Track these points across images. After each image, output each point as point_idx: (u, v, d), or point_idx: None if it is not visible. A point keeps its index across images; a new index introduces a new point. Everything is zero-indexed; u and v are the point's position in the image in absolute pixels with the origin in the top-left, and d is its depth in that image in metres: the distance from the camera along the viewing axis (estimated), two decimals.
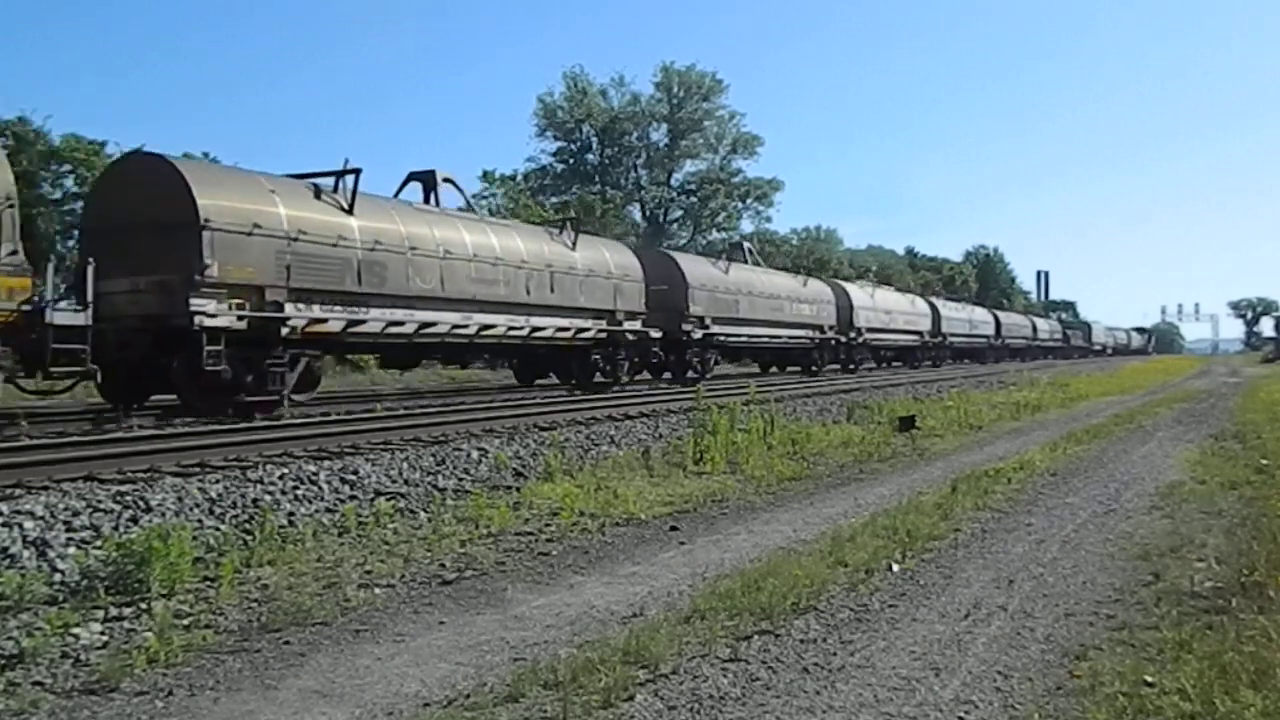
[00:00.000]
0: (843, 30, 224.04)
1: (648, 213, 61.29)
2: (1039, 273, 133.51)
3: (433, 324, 16.03)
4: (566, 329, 19.53)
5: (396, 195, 17.72)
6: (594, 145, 61.15)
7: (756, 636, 4.45)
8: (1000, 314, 64.66)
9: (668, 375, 24.98)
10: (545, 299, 18.91)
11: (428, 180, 18.58)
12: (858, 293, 37.97)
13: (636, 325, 21.93)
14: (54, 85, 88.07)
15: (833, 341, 33.97)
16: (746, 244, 34.61)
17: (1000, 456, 11.34)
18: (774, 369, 33.85)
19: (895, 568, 5.75)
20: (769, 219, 65.35)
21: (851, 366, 35.61)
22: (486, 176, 49.49)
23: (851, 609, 4.93)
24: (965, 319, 53.15)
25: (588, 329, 20.18)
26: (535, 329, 18.57)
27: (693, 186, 62.84)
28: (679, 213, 63.02)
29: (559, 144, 60.77)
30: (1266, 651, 3.92)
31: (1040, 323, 77.28)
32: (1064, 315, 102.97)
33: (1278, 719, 3.37)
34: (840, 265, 63.63)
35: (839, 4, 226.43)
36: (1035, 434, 14.36)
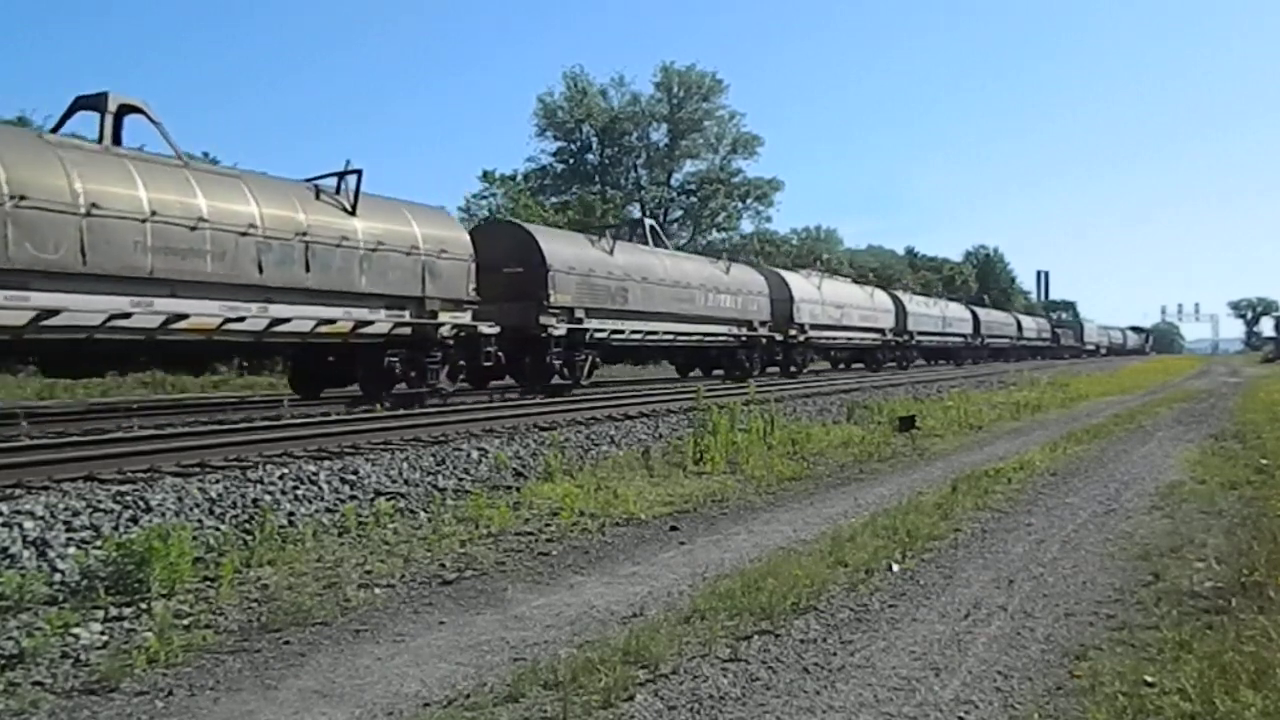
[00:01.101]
0: (843, 30, 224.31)
1: (648, 213, 61.25)
2: (1039, 273, 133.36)
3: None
4: (330, 320, 14.06)
5: (58, 129, 12.61)
6: (594, 145, 61.15)
7: (756, 636, 4.45)
8: (979, 310, 58.71)
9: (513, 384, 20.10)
10: (292, 279, 13.51)
11: (100, 107, 12.42)
12: (800, 283, 32.00)
13: (463, 318, 16.80)
14: (54, 85, 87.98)
15: (764, 340, 28.53)
16: (650, 221, 29.87)
17: (1000, 456, 11.34)
18: (697, 372, 28.96)
19: (895, 568, 5.75)
20: (769, 219, 65.43)
21: (793, 369, 30.81)
22: (486, 176, 49.55)
23: (851, 609, 4.93)
24: (937, 315, 47.63)
25: (370, 322, 14.80)
26: (277, 320, 13.29)
27: (693, 186, 62.86)
28: (679, 213, 63.03)
29: (559, 144, 60.82)
30: (1266, 651, 3.92)
31: (1026, 320, 71.41)
32: (1063, 315, 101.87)
33: (1278, 719, 3.37)
34: (840, 265, 63.52)
35: (839, 4, 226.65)
36: (1035, 434, 14.36)
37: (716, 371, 28.27)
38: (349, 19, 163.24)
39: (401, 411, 14.36)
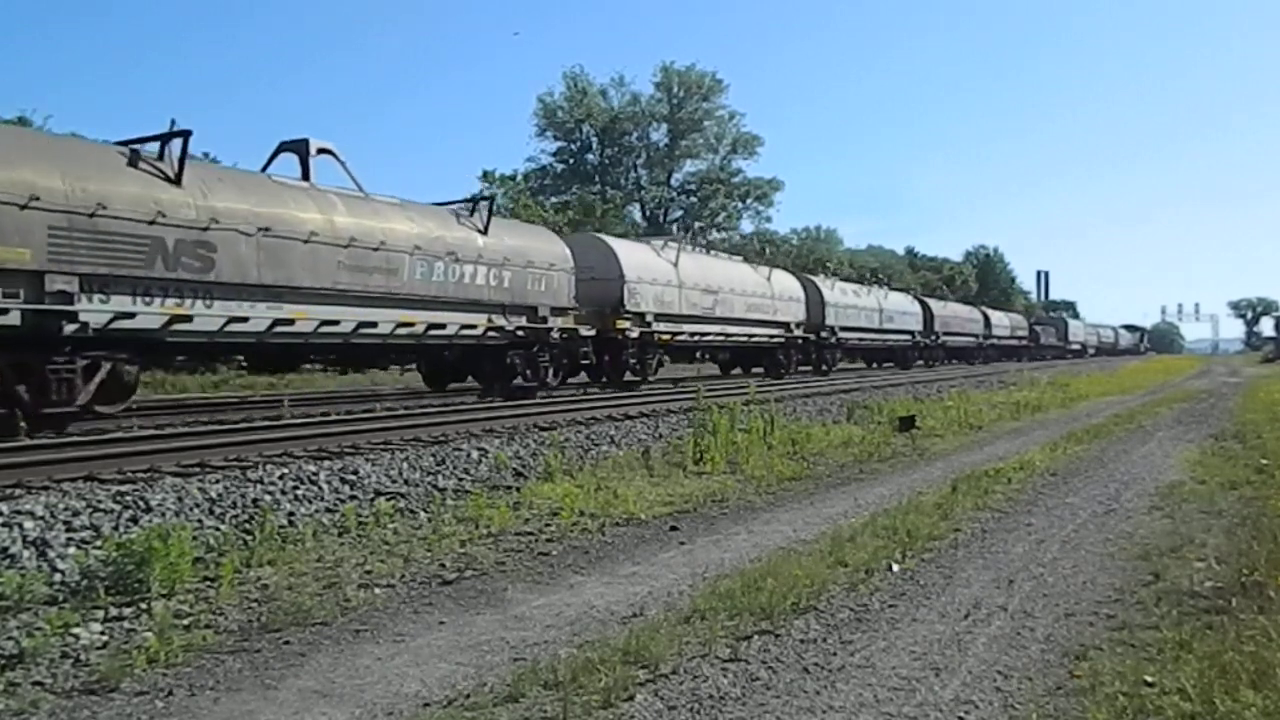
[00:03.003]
0: (843, 30, 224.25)
1: (648, 213, 61.33)
2: (1039, 273, 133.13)
3: None
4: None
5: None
6: (594, 145, 61.25)
7: (756, 636, 4.45)
8: (934, 303, 48.69)
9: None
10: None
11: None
12: (641, 258, 22.93)
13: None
14: (54, 85, 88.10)
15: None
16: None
17: (1000, 456, 11.34)
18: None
19: (895, 568, 5.75)
20: (769, 219, 65.52)
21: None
22: (486, 176, 49.53)
23: (851, 609, 4.93)
24: (870, 308, 38.07)
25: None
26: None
27: (693, 186, 62.94)
28: (679, 213, 63.07)
29: (559, 144, 60.96)
30: (1266, 651, 3.92)
31: (997, 316, 61.22)
32: (1042, 310, 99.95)
33: (1278, 719, 3.37)
34: (840, 265, 63.46)
35: (839, 4, 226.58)
36: (1035, 434, 14.36)
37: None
38: (349, 19, 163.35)
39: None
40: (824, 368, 32.68)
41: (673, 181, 63.11)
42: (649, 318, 22.26)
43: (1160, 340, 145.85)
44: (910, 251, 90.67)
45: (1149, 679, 3.77)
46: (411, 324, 15.11)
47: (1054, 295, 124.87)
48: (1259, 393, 22.82)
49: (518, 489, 8.84)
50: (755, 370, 30.13)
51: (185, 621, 4.85)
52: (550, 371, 18.77)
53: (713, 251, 30.54)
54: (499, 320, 17.13)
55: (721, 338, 26.32)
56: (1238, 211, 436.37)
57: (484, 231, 17.31)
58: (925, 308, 46.00)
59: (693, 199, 62.55)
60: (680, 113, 61.51)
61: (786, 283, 31.06)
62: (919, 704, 3.65)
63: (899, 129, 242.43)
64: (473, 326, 16.60)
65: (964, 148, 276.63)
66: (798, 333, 30.40)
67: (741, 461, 10.59)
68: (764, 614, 4.72)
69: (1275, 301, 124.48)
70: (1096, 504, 8.07)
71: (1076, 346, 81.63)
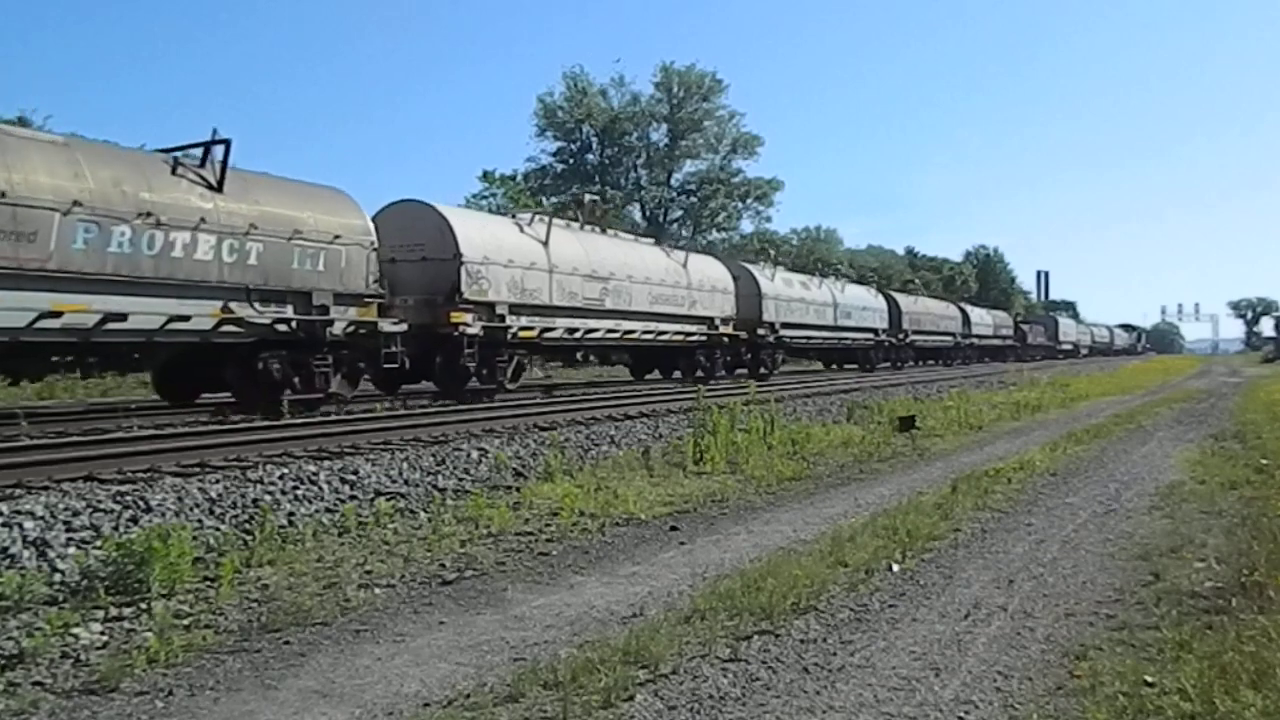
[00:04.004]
0: (843, 30, 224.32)
1: (648, 213, 61.33)
2: (1039, 273, 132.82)
3: None
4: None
5: None
6: (594, 145, 61.22)
7: (756, 636, 4.45)
8: (901, 298, 43.96)
9: None
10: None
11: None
12: (491, 234, 18.58)
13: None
14: (54, 85, 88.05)
15: (338, 332, 17.96)
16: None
17: (1000, 456, 11.33)
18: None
19: (895, 568, 5.74)
20: (769, 219, 65.49)
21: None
22: (486, 176, 49.59)
23: (851, 609, 4.93)
24: (821, 303, 33.19)
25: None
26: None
27: (693, 186, 62.90)
28: (679, 213, 63.09)
29: (559, 144, 60.91)
30: (1266, 651, 3.92)
31: (977, 314, 56.12)
32: (1063, 312, 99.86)
33: (1278, 719, 3.37)
34: (840, 265, 63.44)
35: (839, 4, 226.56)
36: (1035, 434, 14.36)
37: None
38: (349, 19, 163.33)
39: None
40: (762, 371, 28.13)
41: (673, 182, 63.12)
42: (500, 309, 17.65)
43: (1160, 340, 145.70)
44: (910, 251, 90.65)
45: (1149, 679, 3.76)
46: (61, 312, 10.68)
47: (1054, 295, 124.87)
48: (1259, 393, 22.82)
49: (518, 489, 8.84)
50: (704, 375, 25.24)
51: (185, 621, 4.85)
52: (334, 379, 14.70)
53: (611, 231, 24.71)
54: (242, 310, 13.00)
55: (615, 336, 21.35)
56: (1238, 211, 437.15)
57: (217, 188, 12.92)
58: (891, 303, 41.74)
59: (693, 199, 62.54)
60: (680, 113, 61.49)
61: (710, 271, 26.52)
62: (919, 704, 3.65)
63: (899, 129, 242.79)
64: (186, 318, 12.24)
65: (965, 147, 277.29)
66: (725, 330, 25.96)
67: (741, 461, 10.59)
68: (764, 614, 4.72)
69: (1275, 301, 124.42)
70: (1096, 504, 8.07)
71: (1068, 347, 77.61)
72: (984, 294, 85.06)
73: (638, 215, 60.44)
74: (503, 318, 17.80)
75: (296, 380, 14.10)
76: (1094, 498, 8.39)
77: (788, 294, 31.26)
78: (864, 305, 38.60)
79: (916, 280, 53.42)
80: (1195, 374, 42.63)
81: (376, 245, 15.39)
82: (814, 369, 38.09)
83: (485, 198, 48.52)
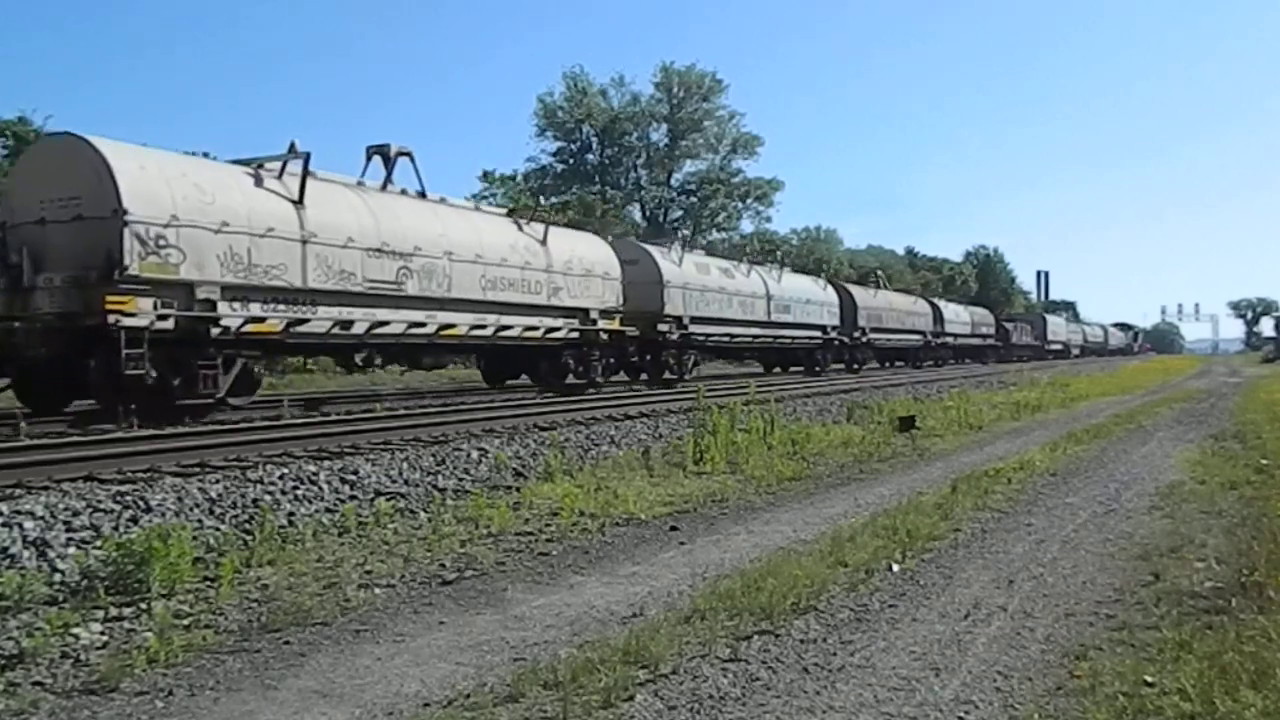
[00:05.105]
0: (843, 30, 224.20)
1: (648, 213, 61.34)
2: (1039, 273, 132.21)
3: None
4: None
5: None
6: (594, 145, 61.22)
7: (756, 636, 4.45)
8: (858, 291, 39.09)
9: None
10: None
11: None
12: (185, 181, 12.83)
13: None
14: (54, 85, 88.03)
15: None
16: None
17: (1000, 456, 11.33)
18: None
19: (895, 568, 5.74)
20: (769, 219, 65.50)
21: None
22: (486, 176, 49.60)
23: (851, 609, 4.93)
24: (748, 295, 28.74)
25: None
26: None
27: (693, 186, 62.91)
28: (679, 213, 63.09)
29: (559, 144, 60.91)
30: (1266, 651, 3.92)
31: (952, 310, 51.20)
32: (1063, 311, 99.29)
33: (1278, 719, 3.37)
34: (840, 265, 63.38)
35: (839, 4, 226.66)
36: (1035, 434, 14.36)
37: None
38: (349, 19, 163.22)
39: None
40: (667, 376, 24.25)
41: (673, 182, 63.14)
42: (204, 292, 12.60)
43: (1160, 340, 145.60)
44: (910, 251, 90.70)
45: (1149, 679, 3.76)
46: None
47: (1054, 295, 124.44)
48: (1259, 393, 22.82)
49: (518, 489, 8.84)
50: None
51: (185, 621, 4.85)
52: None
53: (435, 196, 18.12)
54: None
55: (423, 333, 16.20)
56: (1238, 211, 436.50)
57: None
58: (844, 296, 36.90)
59: (693, 199, 62.55)
60: (680, 113, 61.49)
61: (583, 250, 21.40)
62: (919, 704, 3.65)
63: (899, 129, 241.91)
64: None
65: (964, 148, 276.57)
66: (606, 324, 21.22)
67: (741, 461, 10.59)
68: (764, 614, 4.71)
69: (1275, 301, 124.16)
70: (1096, 504, 8.06)
71: (1057, 347, 72.24)
72: (984, 294, 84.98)
73: (638, 215, 60.46)
74: (210, 304, 12.58)
75: None
76: (1094, 498, 8.39)
77: (700, 282, 26.11)
78: (807, 298, 33.18)
79: (879, 274, 47.85)
80: (1195, 374, 42.63)
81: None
82: (747, 370, 33.40)
83: (485, 198, 48.49)
